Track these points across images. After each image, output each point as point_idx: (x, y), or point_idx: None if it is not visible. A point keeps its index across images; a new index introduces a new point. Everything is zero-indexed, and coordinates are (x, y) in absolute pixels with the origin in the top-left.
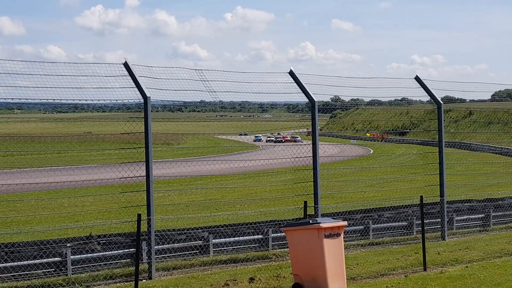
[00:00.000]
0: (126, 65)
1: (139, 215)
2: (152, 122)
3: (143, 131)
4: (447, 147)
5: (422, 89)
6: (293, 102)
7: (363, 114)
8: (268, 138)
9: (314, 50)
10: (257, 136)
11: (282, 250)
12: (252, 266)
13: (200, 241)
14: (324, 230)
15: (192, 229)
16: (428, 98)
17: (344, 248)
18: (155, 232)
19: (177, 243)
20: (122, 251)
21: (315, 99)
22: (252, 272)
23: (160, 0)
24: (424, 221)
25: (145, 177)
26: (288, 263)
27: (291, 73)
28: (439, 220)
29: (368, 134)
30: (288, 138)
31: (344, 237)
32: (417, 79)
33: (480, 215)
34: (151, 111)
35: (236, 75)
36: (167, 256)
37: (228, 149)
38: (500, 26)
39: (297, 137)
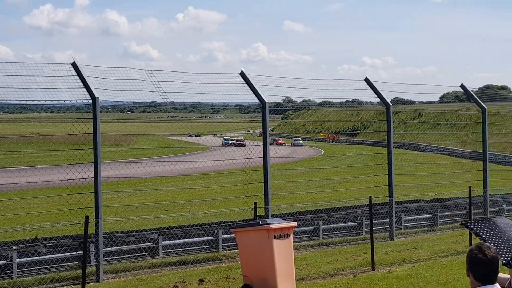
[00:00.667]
0: (74, 65)
1: (86, 217)
2: (101, 123)
3: (92, 132)
4: (397, 148)
5: (372, 90)
6: (244, 103)
7: (315, 115)
8: (231, 142)
9: (266, 51)
10: (226, 139)
11: (232, 251)
12: (202, 268)
13: (150, 243)
14: (274, 231)
15: (141, 231)
16: (378, 99)
17: (294, 249)
18: (103, 234)
19: (126, 245)
20: (69, 253)
21: (266, 100)
22: (201, 273)
23: None
24: (373, 221)
25: (93, 179)
26: (238, 265)
27: (242, 74)
28: (388, 220)
29: (322, 135)
30: (281, 142)
31: (294, 238)
32: (367, 80)
33: (427, 215)
34: (101, 112)
35: (187, 76)
36: (116, 258)
37: (179, 150)
38: (449, 28)
39: (298, 141)
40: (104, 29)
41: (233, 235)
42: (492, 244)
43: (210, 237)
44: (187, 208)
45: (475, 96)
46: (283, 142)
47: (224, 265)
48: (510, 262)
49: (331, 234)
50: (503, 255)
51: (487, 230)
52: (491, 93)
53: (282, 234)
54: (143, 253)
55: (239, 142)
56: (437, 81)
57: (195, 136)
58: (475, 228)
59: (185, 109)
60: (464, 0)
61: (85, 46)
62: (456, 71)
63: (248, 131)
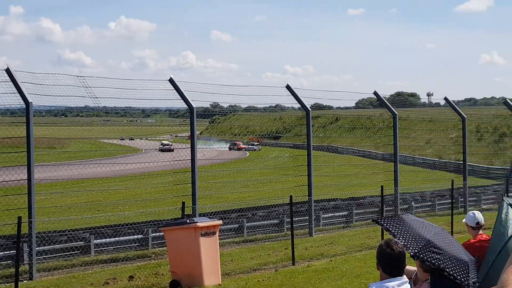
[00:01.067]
0: (8, 71)
1: (19, 218)
2: (34, 127)
3: (25, 135)
4: (317, 150)
5: (293, 97)
6: (174, 108)
7: (240, 119)
8: (160, 146)
9: (195, 59)
10: (162, 143)
11: (161, 249)
12: (132, 265)
13: (82, 242)
14: (201, 229)
15: (74, 230)
16: (299, 105)
17: (220, 246)
18: (36, 233)
19: (58, 244)
20: (2, 253)
21: (194, 106)
22: (132, 270)
23: (45, 8)
24: (294, 219)
25: (26, 180)
26: (167, 261)
27: (171, 81)
28: (307, 217)
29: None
30: (242, 146)
31: (219, 235)
32: (288, 87)
33: (344, 213)
34: (34, 116)
35: (119, 82)
36: (49, 257)
37: (111, 153)
38: (363, 39)
39: (254, 145)
40: (38, 37)
41: (162, 233)
42: (400, 238)
43: (140, 236)
44: (119, 208)
45: (387, 102)
46: (243, 146)
47: (153, 262)
48: (417, 254)
49: (254, 231)
50: (410, 248)
51: (396, 226)
52: (401, 99)
53: (208, 232)
54: (76, 252)
55: (166, 147)
56: (353, 89)
57: (130, 139)
58: (385, 224)
59: (117, 113)
60: (378, 13)
61: (20, 52)
62: (370, 80)
63: (171, 134)
